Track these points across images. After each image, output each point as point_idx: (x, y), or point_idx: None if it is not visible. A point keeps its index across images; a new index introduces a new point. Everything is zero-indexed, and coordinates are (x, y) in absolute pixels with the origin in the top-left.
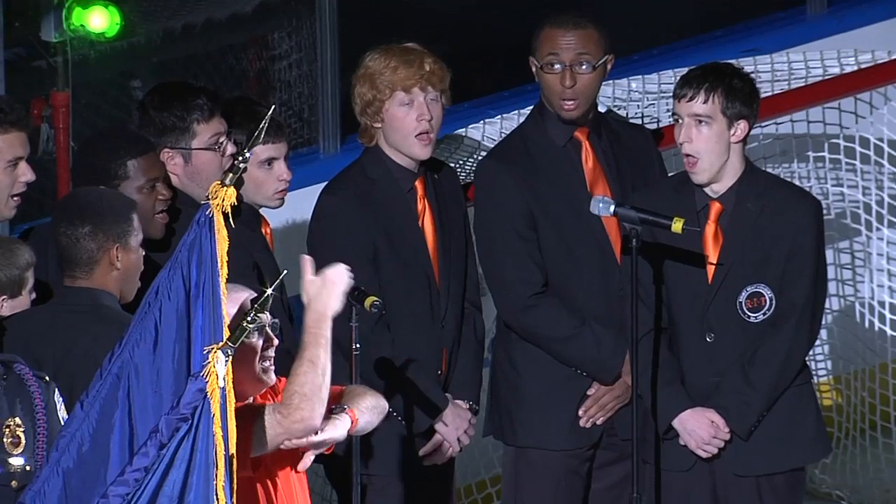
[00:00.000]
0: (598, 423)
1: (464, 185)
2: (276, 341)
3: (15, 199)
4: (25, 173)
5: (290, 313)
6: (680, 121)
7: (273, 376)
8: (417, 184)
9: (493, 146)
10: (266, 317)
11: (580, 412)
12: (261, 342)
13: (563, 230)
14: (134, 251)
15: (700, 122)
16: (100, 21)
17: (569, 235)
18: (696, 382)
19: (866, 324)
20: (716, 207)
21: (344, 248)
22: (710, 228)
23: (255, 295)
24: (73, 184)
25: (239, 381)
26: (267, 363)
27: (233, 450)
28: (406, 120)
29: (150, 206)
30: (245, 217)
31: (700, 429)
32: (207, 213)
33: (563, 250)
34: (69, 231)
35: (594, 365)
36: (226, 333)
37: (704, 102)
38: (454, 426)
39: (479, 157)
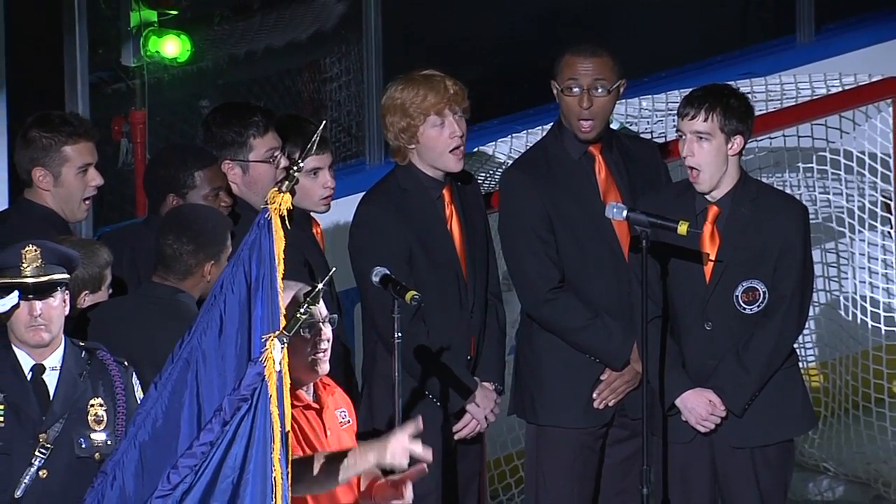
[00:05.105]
0: (610, 405)
1: (492, 192)
2: (328, 334)
3: (86, 202)
4: (95, 178)
5: (340, 306)
6: (683, 136)
7: (326, 367)
8: (445, 192)
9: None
10: (321, 312)
11: (594, 395)
12: (311, 335)
13: (578, 233)
14: (223, 266)
15: (701, 138)
16: (173, 48)
17: (583, 237)
18: (696, 365)
19: (850, 315)
20: (713, 210)
21: (382, 251)
22: (707, 229)
23: (309, 288)
24: (145, 192)
25: (294, 369)
26: (319, 354)
27: (287, 427)
28: (440, 139)
29: None
30: (297, 219)
31: (699, 407)
32: (266, 216)
33: (577, 250)
34: (175, 245)
35: (605, 353)
36: (282, 323)
37: (705, 120)
38: (483, 406)
39: None
